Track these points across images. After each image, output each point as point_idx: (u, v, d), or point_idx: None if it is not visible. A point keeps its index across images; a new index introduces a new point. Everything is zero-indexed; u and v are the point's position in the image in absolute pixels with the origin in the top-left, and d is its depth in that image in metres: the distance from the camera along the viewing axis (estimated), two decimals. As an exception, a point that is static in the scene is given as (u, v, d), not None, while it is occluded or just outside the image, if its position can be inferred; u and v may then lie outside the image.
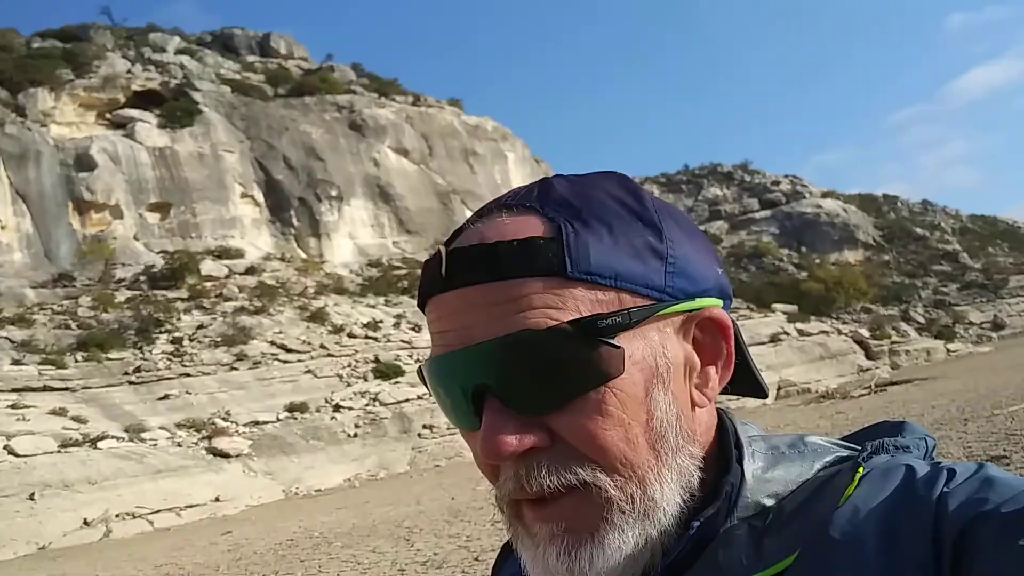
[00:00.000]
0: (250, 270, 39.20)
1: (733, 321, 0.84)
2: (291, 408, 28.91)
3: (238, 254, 40.23)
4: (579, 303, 0.74)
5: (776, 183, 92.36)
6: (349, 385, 31.17)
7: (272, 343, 32.97)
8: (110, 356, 29.64)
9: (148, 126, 41.73)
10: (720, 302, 0.83)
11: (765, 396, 0.92)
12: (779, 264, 76.06)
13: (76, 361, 28.85)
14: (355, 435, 28.05)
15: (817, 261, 78.00)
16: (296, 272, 40.67)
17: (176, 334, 32.19)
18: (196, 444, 25.46)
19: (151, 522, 19.92)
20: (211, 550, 14.99)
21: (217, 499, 22.09)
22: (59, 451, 21.93)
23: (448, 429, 28.16)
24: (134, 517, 19.92)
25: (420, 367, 0.82)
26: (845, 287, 63.70)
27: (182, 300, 35.09)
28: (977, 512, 0.67)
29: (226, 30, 57.44)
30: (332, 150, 46.52)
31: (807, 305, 51.91)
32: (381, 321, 36.64)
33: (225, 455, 25.07)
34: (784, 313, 45.19)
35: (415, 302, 0.83)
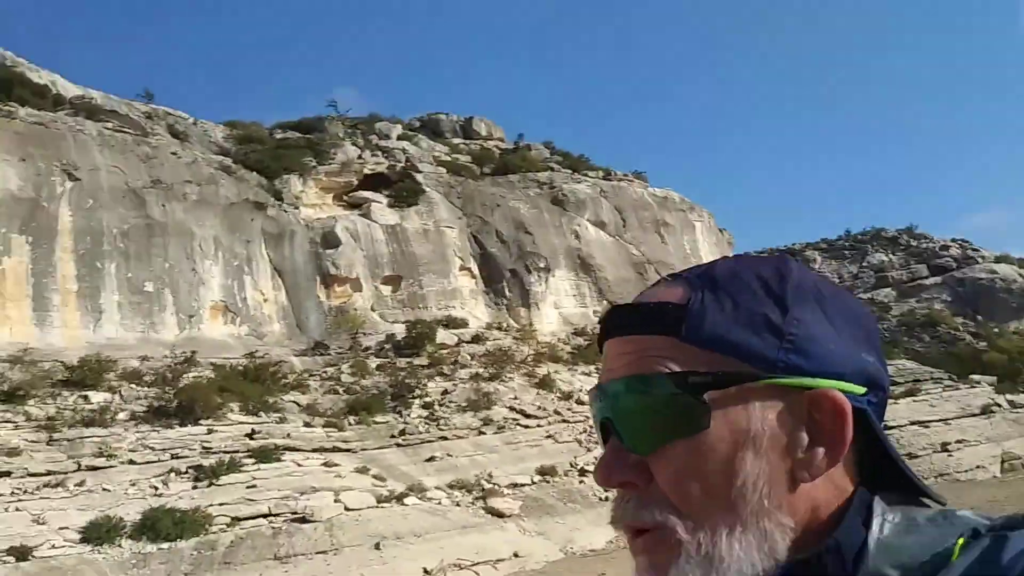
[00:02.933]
0: (476, 338, 42.07)
1: (865, 410, 0.89)
2: (542, 472, 31.15)
3: (463, 323, 43.25)
4: (687, 361, 0.87)
5: (945, 248, 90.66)
6: (589, 450, 33.22)
7: (511, 408, 35.49)
8: (376, 420, 32.63)
9: (380, 206, 45.72)
10: (857, 388, 0.88)
11: (932, 499, 0.90)
12: (955, 334, 74.73)
13: (350, 424, 31.92)
14: (606, 498, 29.95)
15: (996, 330, 75.61)
16: (514, 341, 43.28)
17: (427, 399, 35.05)
18: (473, 504, 27.90)
19: (477, 573, 22.31)
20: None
21: (516, 555, 24.35)
22: (379, 506, 24.74)
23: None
24: (460, 568, 22.36)
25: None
26: (1031, 358, 61.61)
27: (423, 367, 38.07)
28: None
29: (432, 115, 62.27)
30: (538, 224, 49.47)
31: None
32: (603, 388, 38.69)
33: (500, 515, 27.40)
34: (989, 384, 44.82)
35: None
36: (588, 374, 41.22)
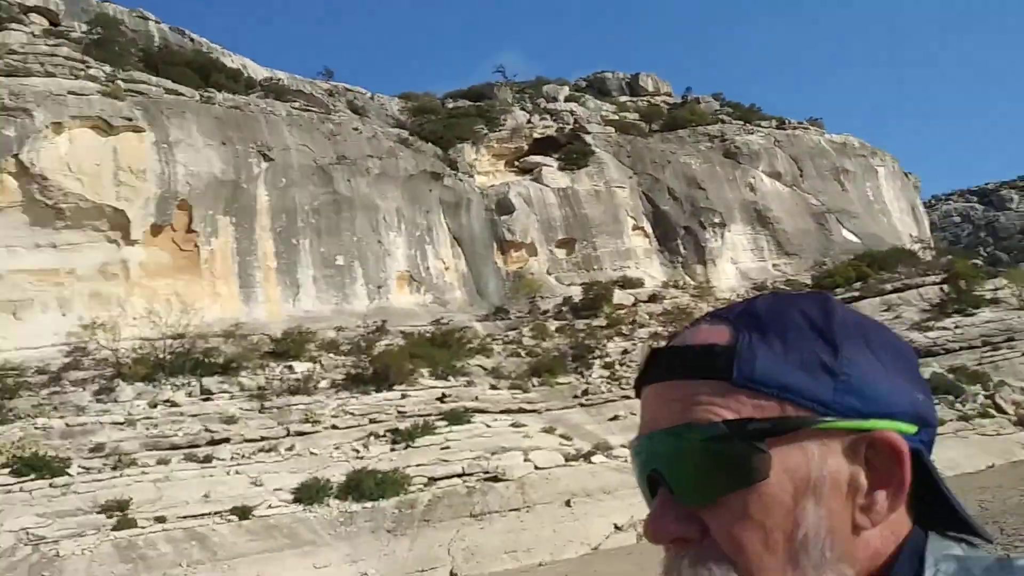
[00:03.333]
0: (652, 297, 42.02)
1: (919, 450, 0.85)
2: (727, 429, 30.91)
3: (638, 283, 43.26)
4: (741, 406, 0.83)
5: None
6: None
7: (692, 367, 35.35)
8: (559, 381, 33.31)
9: (551, 169, 46.19)
10: (910, 428, 0.85)
11: (983, 538, 0.87)
12: None
13: (534, 386, 32.74)
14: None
15: None
16: (691, 298, 42.92)
17: (607, 359, 35.43)
18: (660, 461, 28.13)
19: (667, 530, 22.59)
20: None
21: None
22: (567, 465, 25.42)
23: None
24: (650, 525, 22.70)
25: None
26: None
27: (601, 328, 38.43)
28: None
29: (597, 75, 62.00)
30: (711, 178, 48.62)
31: None
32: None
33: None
34: None
35: None
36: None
